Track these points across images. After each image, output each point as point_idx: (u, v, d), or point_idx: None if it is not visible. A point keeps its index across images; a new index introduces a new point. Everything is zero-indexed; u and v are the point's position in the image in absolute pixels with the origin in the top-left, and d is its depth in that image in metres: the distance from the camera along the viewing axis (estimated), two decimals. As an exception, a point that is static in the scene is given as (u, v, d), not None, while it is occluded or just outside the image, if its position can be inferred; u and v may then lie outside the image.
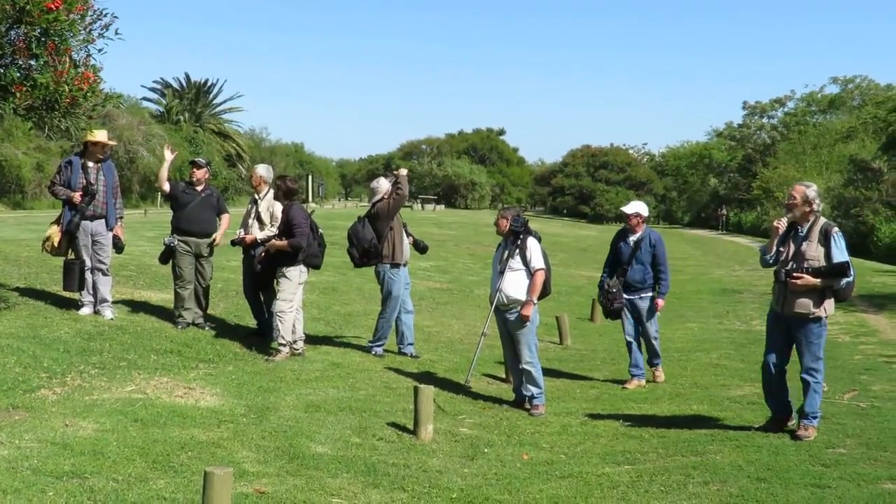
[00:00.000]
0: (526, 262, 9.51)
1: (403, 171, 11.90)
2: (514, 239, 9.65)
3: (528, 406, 9.70)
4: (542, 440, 8.54)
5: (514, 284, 9.52)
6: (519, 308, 9.49)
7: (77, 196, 11.08)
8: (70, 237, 11.22)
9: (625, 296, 11.04)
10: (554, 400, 10.18)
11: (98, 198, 11.24)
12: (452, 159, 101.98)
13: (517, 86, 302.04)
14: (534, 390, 9.65)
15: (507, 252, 9.65)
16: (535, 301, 9.52)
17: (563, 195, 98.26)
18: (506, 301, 9.57)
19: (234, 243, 11.86)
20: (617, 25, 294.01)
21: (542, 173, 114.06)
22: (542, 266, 9.51)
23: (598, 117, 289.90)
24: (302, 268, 10.91)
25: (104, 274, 11.38)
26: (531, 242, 9.59)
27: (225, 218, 12.19)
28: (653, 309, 11.09)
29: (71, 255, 11.34)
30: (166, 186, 11.88)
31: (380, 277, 11.69)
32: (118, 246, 11.62)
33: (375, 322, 11.98)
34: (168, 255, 11.84)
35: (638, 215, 11.22)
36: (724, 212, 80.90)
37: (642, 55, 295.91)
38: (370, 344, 11.84)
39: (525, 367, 9.61)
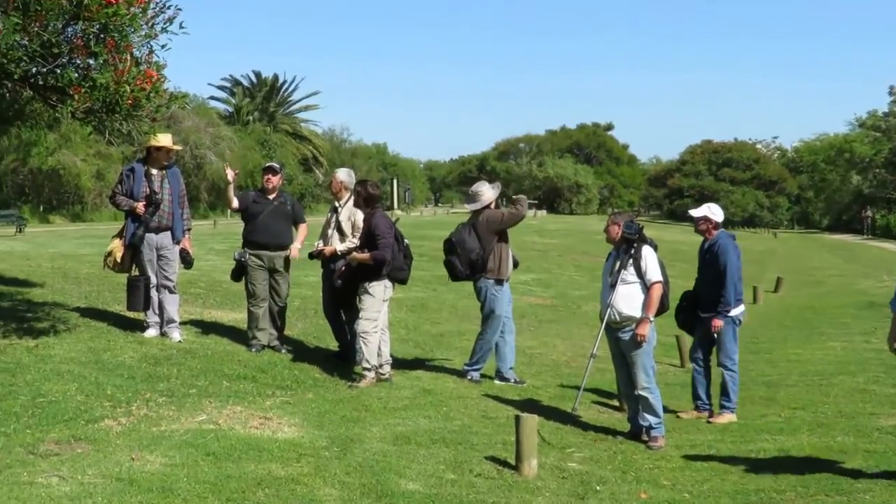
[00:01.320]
0: (641, 274, 9.42)
1: (523, 197, 12.06)
2: (626, 248, 9.56)
3: (645, 437, 9.60)
4: (663, 476, 8.43)
5: (628, 299, 9.44)
6: (633, 326, 9.41)
7: (140, 206, 11.29)
8: (134, 251, 11.43)
9: (699, 314, 10.78)
10: (675, 431, 10.05)
11: (163, 208, 11.44)
12: (554, 159, 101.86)
13: (626, 75, 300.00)
14: (651, 420, 9.55)
15: (619, 263, 9.57)
16: (652, 318, 9.42)
17: (681, 197, 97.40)
18: (618, 318, 9.49)
19: (311, 256, 11.97)
20: (740, 4, 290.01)
21: (657, 173, 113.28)
22: (660, 278, 9.41)
23: (720, 109, 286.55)
24: (387, 283, 10.96)
25: (171, 292, 11.58)
26: (646, 252, 9.50)
27: (302, 228, 12.29)
28: (714, 330, 10.65)
29: (135, 272, 11.55)
30: (235, 204, 12.00)
31: (481, 294, 11.66)
32: (186, 260, 11.81)
33: (473, 343, 11.97)
34: (240, 270, 11.96)
35: (706, 220, 10.88)
36: (869, 213, 79.16)
37: (770, 37, 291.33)
38: (466, 367, 11.85)
39: (641, 392, 9.51)
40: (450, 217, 72.59)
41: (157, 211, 11.36)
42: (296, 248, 12.09)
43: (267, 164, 12.39)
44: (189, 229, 11.90)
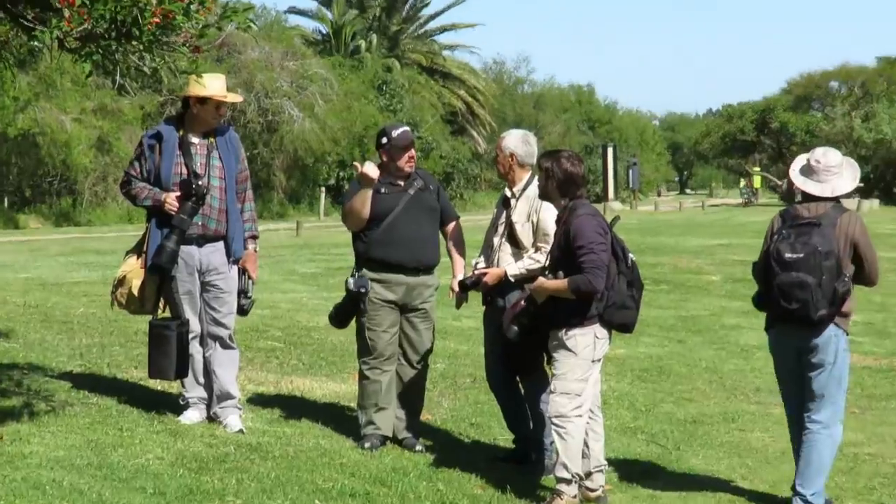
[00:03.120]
0: None
1: None
2: None
3: None
4: None
5: None
6: None
7: (172, 199, 11.46)
8: (162, 278, 11.61)
9: None
10: None
11: (210, 202, 11.58)
12: (893, 107, 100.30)
13: None
14: None
15: None
16: None
17: None
18: None
19: (466, 287, 11.89)
20: None
21: None
22: None
23: None
24: (598, 330, 10.84)
25: (226, 346, 11.74)
26: None
27: (453, 232, 12.21)
28: None
29: (164, 312, 11.75)
30: (368, 211, 11.67)
31: (823, 351, 10.66)
32: (243, 294, 11.77)
33: (805, 444, 11.24)
34: (350, 308, 11.96)
35: None
36: None
37: None
38: (801, 493, 10.81)
39: None
40: (707, 215, 72.09)
41: (200, 207, 11.47)
42: (456, 278, 11.90)
43: (401, 130, 11.99)
44: (254, 237, 12.06)
